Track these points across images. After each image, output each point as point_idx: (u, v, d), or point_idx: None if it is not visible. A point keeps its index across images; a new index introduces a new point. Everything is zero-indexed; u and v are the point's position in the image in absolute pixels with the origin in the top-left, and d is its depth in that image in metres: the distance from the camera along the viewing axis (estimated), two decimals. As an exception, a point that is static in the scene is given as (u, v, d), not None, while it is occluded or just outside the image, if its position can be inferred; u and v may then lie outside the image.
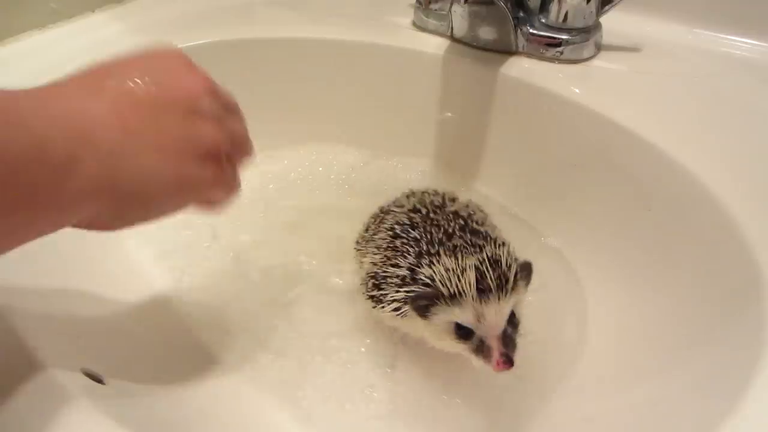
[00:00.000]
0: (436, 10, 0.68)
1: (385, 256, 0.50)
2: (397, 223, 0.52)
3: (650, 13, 0.68)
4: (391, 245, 0.50)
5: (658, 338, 0.48)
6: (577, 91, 0.59)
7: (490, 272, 0.42)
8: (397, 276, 0.47)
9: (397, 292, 0.46)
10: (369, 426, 0.48)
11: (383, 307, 0.48)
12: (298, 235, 0.65)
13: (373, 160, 0.74)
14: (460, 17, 0.65)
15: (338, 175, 0.73)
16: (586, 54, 0.63)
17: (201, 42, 0.68)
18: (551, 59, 0.63)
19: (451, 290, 0.42)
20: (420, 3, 0.69)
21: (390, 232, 0.52)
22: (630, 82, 0.61)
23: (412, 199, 0.56)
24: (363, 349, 0.54)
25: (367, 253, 0.54)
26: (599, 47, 0.64)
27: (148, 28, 0.69)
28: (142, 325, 0.52)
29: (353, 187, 0.71)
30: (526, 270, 0.45)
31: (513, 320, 0.43)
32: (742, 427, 0.33)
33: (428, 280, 0.44)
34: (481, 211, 0.56)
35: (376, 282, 0.50)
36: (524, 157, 0.65)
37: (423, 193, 0.58)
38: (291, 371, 0.52)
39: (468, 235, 0.48)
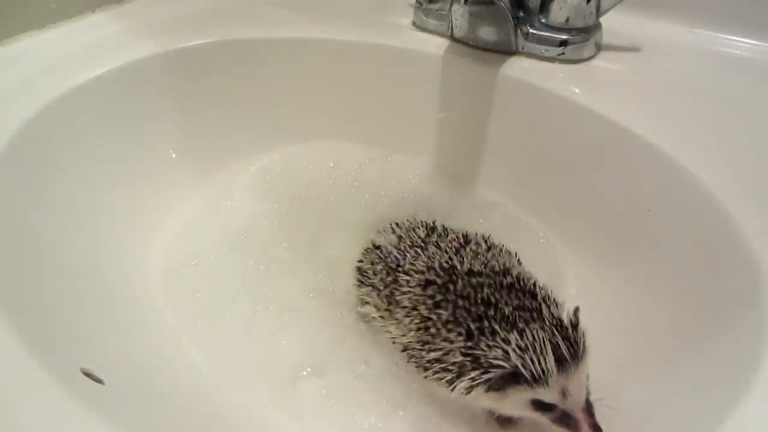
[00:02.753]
0: (436, 10, 0.68)
1: (419, 338, 0.46)
2: (418, 303, 0.47)
3: (650, 13, 0.68)
4: (423, 327, 0.46)
5: (658, 339, 0.48)
6: (577, 91, 0.59)
7: (561, 341, 0.40)
8: (453, 363, 0.43)
9: (459, 380, 0.42)
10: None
11: (439, 381, 0.44)
12: (299, 234, 0.65)
13: (372, 160, 0.74)
14: (460, 17, 0.65)
15: (338, 174, 0.72)
16: (586, 54, 0.63)
17: (201, 42, 0.68)
18: (551, 59, 0.63)
19: (535, 372, 0.39)
20: (420, 3, 0.69)
21: (414, 313, 0.47)
22: (630, 82, 0.61)
23: (419, 263, 0.49)
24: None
25: (390, 322, 0.49)
26: (599, 47, 0.64)
27: (148, 28, 0.69)
28: (142, 325, 0.52)
29: (352, 186, 0.71)
30: (577, 317, 0.42)
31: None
32: (742, 427, 0.33)
33: (501, 361, 0.40)
34: (485, 239, 0.52)
35: (424, 367, 0.46)
36: (524, 156, 0.65)
37: (423, 240, 0.52)
38: (291, 373, 0.52)
39: (513, 297, 0.43)
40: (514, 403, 0.42)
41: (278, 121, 0.74)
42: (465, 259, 0.49)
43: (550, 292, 0.45)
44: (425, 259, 0.50)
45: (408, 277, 0.49)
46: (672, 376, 0.44)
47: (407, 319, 0.48)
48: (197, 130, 0.70)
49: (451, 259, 0.49)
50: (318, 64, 0.72)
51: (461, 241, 0.52)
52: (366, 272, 0.54)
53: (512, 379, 0.40)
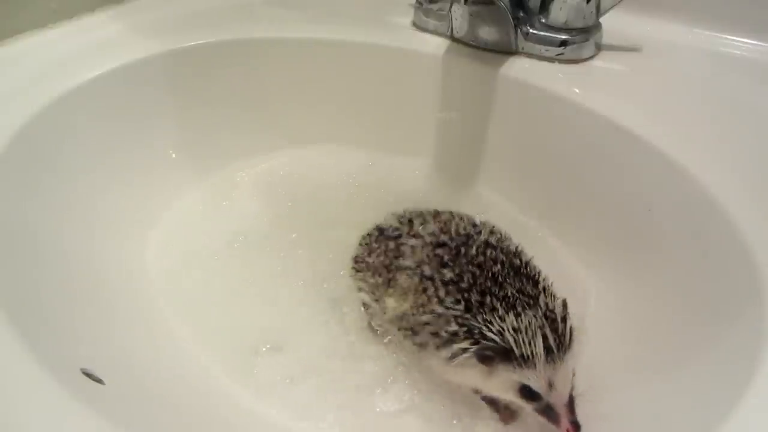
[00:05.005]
0: (436, 10, 0.68)
1: (416, 301, 0.47)
2: (423, 262, 0.48)
3: (650, 13, 0.68)
4: (422, 288, 0.47)
5: (658, 339, 0.48)
6: (577, 91, 0.59)
7: (550, 332, 0.41)
8: (446, 330, 0.44)
9: (446, 344, 0.44)
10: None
11: (425, 345, 0.46)
12: (300, 235, 0.65)
13: (372, 160, 0.74)
14: (460, 17, 0.65)
15: (338, 175, 0.73)
16: (586, 54, 0.63)
17: (201, 42, 0.68)
18: (551, 59, 0.63)
19: (525, 352, 0.41)
20: (420, 3, 0.69)
21: (417, 271, 0.48)
22: (630, 82, 0.61)
23: (429, 227, 0.51)
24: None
25: (386, 295, 0.50)
26: (599, 47, 0.64)
27: (148, 28, 0.69)
28: (142, 325, 0.52)
29: (353, 186, 0.71)
30: (566, 309, 0.44)
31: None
32: (742, 427, 0.33)
33: (495, 336, 0.41)
34: (500, 232, 0.52)
35: (412, 330, 0.47)
36: (524, 156, 0.65)
37: (432, 216, 0.53)
38: (292, 373, 0.52)
39: (517, 281, 0.45)
40: (502, 383, 0.43)
41: (278, 121, 0.74)
42: (483, 231, 0.50)
43: (549, 284, 0.46)
44: (437, 225, 0.51)
45: (415, 240, 0.50)
46: (672, 376, 0.44)
47: (407, 282, 0.48)
48: (197, 131, 0.70)
49: (466, 228, 0.50)
50: (318, 65, 0.72)
51: (476, 221, 0.53)
52: (360, 258, 0.55)
53: (503, 356, 0.41)
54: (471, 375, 0.44)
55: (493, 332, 0.42)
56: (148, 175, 0.65)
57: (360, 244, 0.56)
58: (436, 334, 0.45)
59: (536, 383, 0.41)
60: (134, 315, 0.53)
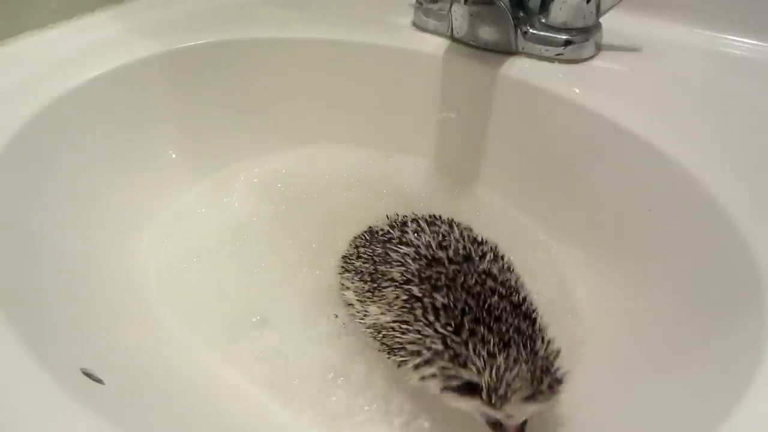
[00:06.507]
0: (436, 10, 0.68)
1: (400, 316, 0.44)
2: (411, 280, 0.45)
3: (650, 13, 0.68)
4: (407, 306, 0.44)
5: (658, 339, 0.48)
6: (577, 91, 0.59)
7: (538, 383, 0.39)
8: (428, 348, 0.42)
9: (428, 363, 0.42)
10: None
11: (403, 363, 0.44)
12: (300, 234, 0.65)
13: (371, 159, 0.74)
14: (460, 17, 0.65)
15: (338, 175, 0.73)
16: (586, 54, 0.63)
17: (201, 42, 0.68)
18: (551, 59, 0.63)
19: (498, 397, 0.39)
20: (420, 3, 0.69)
21: (405, 290, 0.45)
22: (630, 82, 0.61)
23: (424, 237, 0.48)
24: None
25: (371, 301, 0.48)
26: (599, 47, 0.64)
27: (148, 28, 0.69)
28: (142, 325, 0.53)
29: (353, 187, 0.71)
30: (556, 357, 0.42)
31: None
32: (742, 427, 0.33)
33: (474, 372, 0.40)
34: (503, 258, 0.49)
35: (390, 344, 0.45)
36: (523, 156, 0.65)
37: (429, 223, 0.51)
38: (293, 369, 0.52)
39: (514, 317, 0.42)
40: (464, 405, 0.42)
41: (278, 121, 0.74)
42: (486, 257, 0.47)
43: (545, 326, 0.44)
44: (433, 235, 0.48)
45: (406, 248, 0.47)
46: (671, 376, 0.44)
47: (392, 295, 0.46)
48: (197, 131, 0.70)
49: (467, 247, 0.47)
50: (318, 65, 0.72)
51: (478, 238, 0.50)
52: (349, 257, 0.53)
53: (474, 389, 0.40)
54: (435, 390, 0.43)
55: (476, 364, 0.40)
56: (147, 175, 0.65)
57: (350, 245, 0.56)
58: (417, 353, 0.43)
59: (500, 415, 0.41)
60: (134, 315, 0.53)
